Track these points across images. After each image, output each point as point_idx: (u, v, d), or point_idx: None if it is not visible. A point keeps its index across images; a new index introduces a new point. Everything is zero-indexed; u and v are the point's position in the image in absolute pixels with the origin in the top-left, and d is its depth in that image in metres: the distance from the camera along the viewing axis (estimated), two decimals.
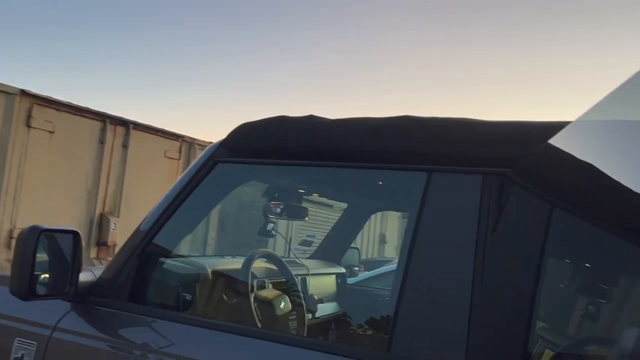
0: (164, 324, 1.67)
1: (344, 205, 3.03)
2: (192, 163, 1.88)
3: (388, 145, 1.57)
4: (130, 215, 6.75)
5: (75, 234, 1.73)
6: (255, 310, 2.04)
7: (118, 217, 6.79)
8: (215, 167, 1.80)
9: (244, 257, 2.28)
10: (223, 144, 1.82)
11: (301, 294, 2.36)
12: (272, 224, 2.62)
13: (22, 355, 1.77)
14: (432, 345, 1.30)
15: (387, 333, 1.38)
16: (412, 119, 1.60)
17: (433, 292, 1.35)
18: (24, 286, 1.59)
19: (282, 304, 2.14)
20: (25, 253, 1.59)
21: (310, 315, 2.39)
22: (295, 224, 3.79)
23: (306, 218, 2.72)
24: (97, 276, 1.84)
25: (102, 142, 6.69)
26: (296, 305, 2.27)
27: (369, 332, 2.06)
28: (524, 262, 1.27)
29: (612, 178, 1.21)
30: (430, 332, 1.31)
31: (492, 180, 1.37)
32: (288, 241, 3.22)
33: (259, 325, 2.06)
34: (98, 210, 6.69)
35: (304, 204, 2.63)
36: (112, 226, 6.67)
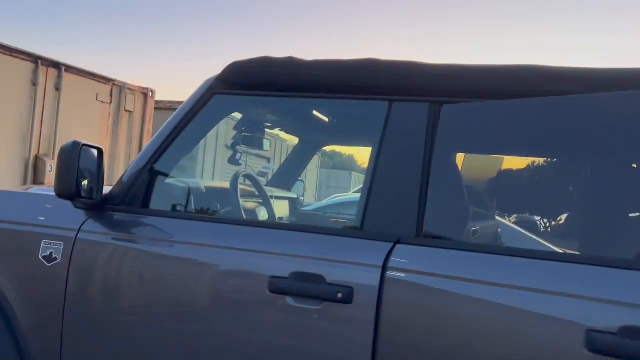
0: (170, 222, 2.08)
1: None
2: (191, 95, 2.23)
3: (357, 79, 2.02)
4: None
5: (100, 150, 2.08)
6: (243, 213, 2.47)
7: (53, 159, 6.86)
8: (212, 99, 2.18)
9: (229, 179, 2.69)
10: (219, 78, 2.19)
11: (273, 209, 2.82)
12: (239, 154, 3.02)
13: (51, 253, 2.12)
14: (395, 220, 1.82)
15: (359, 220, 1.89)
16: (376, 60, 2.06)
17: (396, 186, 1.86)
18: (72, 189, 1.93)
19: (262, 213, 2.59)
20: (71, 162, 1.93)
21: None
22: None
23: (268, 149, 3.16)
24: None
25: (34, 84, 6.66)
26: (270, 217, 2.73)
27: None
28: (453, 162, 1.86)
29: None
30: (391, 211, 1.83)
31: (435, 107, 1.88)
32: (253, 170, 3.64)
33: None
34: (33, 153, 6.72)
35: (269, 137, 3.06)
36: (48, 168, 6.74)
